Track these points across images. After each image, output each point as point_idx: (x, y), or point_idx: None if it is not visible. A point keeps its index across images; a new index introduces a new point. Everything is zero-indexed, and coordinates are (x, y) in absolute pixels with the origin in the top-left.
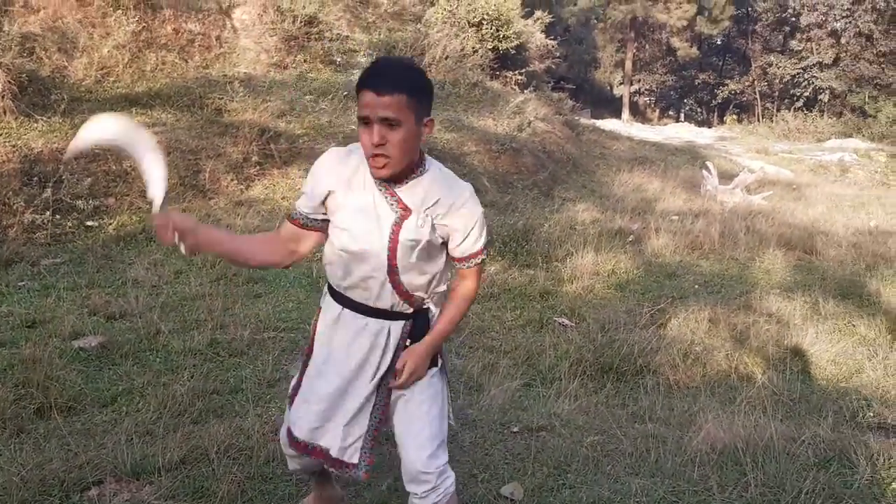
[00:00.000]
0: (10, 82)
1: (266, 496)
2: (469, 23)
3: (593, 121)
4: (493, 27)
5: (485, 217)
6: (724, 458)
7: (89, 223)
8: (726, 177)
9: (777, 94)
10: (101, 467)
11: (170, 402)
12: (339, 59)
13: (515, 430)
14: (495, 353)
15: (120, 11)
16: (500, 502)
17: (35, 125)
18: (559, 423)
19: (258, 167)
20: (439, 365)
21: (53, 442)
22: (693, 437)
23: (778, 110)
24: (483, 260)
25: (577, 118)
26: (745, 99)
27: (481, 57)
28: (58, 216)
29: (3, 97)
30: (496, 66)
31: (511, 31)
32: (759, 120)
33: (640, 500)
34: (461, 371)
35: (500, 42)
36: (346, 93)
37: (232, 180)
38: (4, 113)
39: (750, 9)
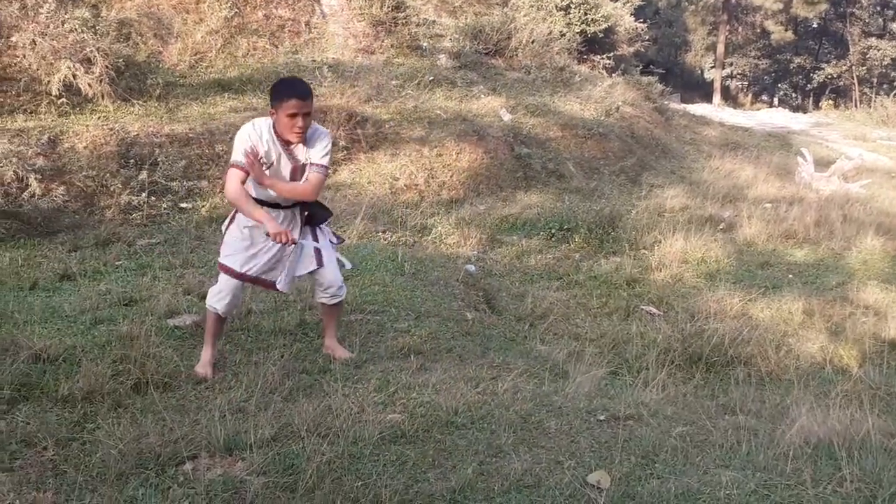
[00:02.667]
0: (107, 67)
1: (353, 474)
2: (557, 6)
3: (683, 105)
4: (581, 10)
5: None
6: (818, 452)
7: (183, 205)
8: (822, 164)
9: (876, 79)
10: (195, 442)
11: (261, 381)
12: (425, 45)
13: (602, 418)
14: (581, 340)
15: None
16: (586, 490)
17: (131, 109)
18: (647, 412)
19: (345, 151)
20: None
21: (150, 417)
22: (786, 430)
23: (877, 95)
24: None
25: (666, 103)
26: (841, 84)
27: (568, 41)
28: (153, 198)
29: (100, 81)
30: (583, 49)
31: (600, 15)
32: (856, 106)
33: (730, 492)
34: (546, 357)
35: (588, 25)
36: (431, 78)
37: None
38: (102, 97)
39: None
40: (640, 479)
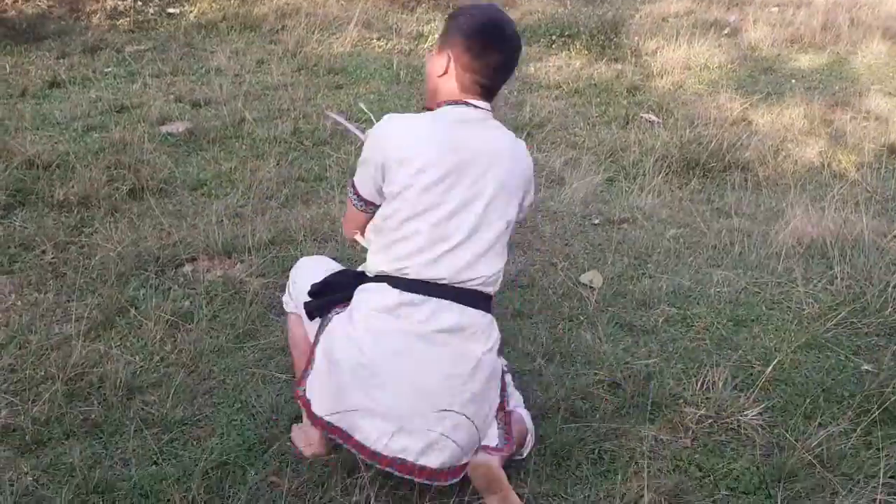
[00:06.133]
0: None
1: None
2: None
3: None
4: None
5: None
6: (810, 251)
7: (170, 10)
8: None
9: None
10: (193, 246)
11: (257, 187)
12: None
13: (596, 222)
14: (578, 148)
15: None
16: (579, 289)
17: None
18: (641, 216)
19: None
20: None
21: (147, 221)
22: (779, 231)
23: None
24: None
25: None
26: None
27: None
28: (139, 3)
29: None
30: None
31: None
32: None
33: (720, 290)
34: (543, 165)
35: None
36: None
37: None
38: None
39: None
40: (632, 278)
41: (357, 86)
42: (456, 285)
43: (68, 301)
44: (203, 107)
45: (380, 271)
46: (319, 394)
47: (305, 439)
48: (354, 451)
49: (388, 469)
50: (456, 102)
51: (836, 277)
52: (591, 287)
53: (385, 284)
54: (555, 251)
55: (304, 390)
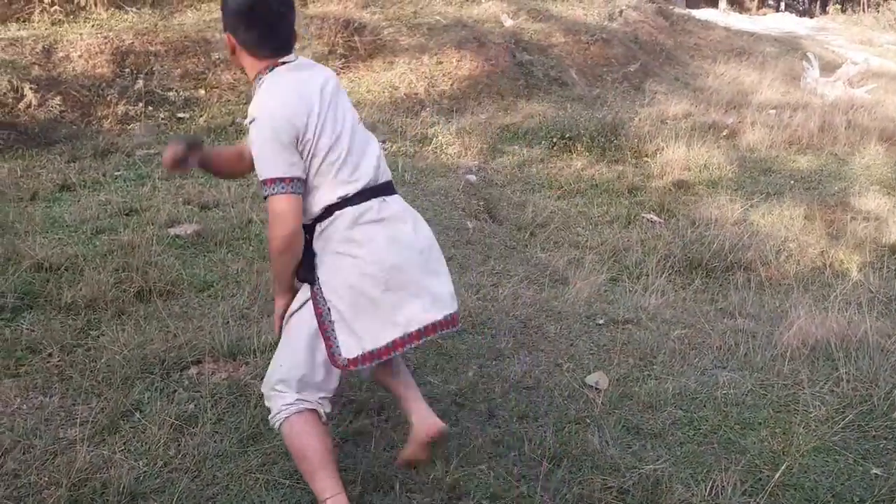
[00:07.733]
0: None
1: (353, 379)
2: None
3: (688, 10)
4: None
5: (269, 145)
6: (815, 353)
7: (181, 115)
8: (828, 69)
9: None
10: (199, 348)
11: (263, 288)
12: None
13: (601, 322)
14: (581, 248)
15: None
16: (585, 390)
17: (125, 17)
18: (646, 316)
19: (343, 60)
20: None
21: (153, 324)
22: (784, 332)
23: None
24: (268, 195)
25: (670, 7)
26: None
27: None
28: (150, 108)
29: None
30: None
31: None
32: (864, 10)
33: (726, 391)
34: (546, 265)
35: None
36: None
37: None
38: (95, 4)
39: None
40: (637, 380)
41: None
42: (374, 185)
43: (73, 405)
44: (211, 209)
45: (322, 209)
46: (358, 335)
47: None
48: (407, 347)
49: (431, 337)
50: (274, 67)
51: (842, 379)
52: (597, 389)
53: (337, 212)
54: (560, 352)
55: (345, 359)
